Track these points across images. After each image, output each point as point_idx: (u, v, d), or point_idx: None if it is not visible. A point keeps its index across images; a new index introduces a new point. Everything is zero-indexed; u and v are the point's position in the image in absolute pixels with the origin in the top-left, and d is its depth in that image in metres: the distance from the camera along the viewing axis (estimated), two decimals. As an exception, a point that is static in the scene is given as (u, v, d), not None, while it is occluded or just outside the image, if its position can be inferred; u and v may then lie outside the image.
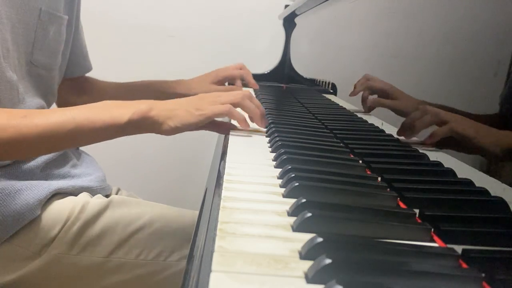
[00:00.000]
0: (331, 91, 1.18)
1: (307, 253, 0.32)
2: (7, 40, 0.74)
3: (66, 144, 0.67)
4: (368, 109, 0.86)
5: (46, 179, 0.80)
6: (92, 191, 0.86)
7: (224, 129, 0.74)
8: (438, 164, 0.56)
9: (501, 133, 0.50)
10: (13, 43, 0.75)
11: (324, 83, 1.30)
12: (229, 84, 1.19)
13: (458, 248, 0.35)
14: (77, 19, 1.00)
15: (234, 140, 0.69)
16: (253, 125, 0.75)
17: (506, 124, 0.45)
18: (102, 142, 0.67)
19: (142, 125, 0.64)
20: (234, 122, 0.75)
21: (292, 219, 0.38)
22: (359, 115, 0.88)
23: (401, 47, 0.76)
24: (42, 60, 0.84)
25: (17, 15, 0.76)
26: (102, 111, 0.64)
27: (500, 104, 0.47)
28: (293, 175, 0.47)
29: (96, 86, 1.11)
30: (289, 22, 1.59)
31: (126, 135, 0.65)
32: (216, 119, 0.71)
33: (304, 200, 0.40)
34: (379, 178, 0.51)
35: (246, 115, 0.74)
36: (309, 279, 0.29)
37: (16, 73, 0.77)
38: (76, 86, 1.07)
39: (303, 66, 1.53)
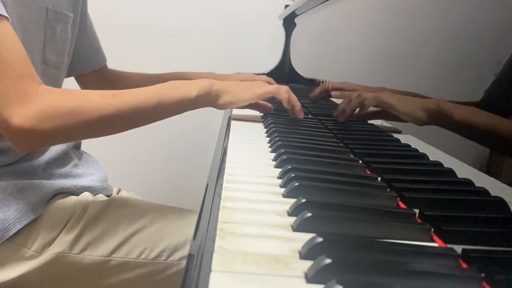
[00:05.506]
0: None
1: (307, 253, 0.32)
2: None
3: (151, 118, 0.71)
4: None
5: (48, 179, 0.80)
6: (94, 191, 0.86)
7: (265, 108, 0.88)
8: (438, 164, 0.56)
9: (425, 100, 0.53)
10: (25, 43, 0.76)
11: (324, 83, 1.30)
12: None
13: (458, 248, 0.35)
14: (85, 16, 1.00)
15: (235, 139, 0.69)
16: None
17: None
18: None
19: (205, 99, 0.73)
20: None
21: (292, 219, 0.38)
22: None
23: (401, 47, 0.76)
24: (53, 59, 0.85)
25: (28, 15, 0.76)
26: (175, 89, 0.71)
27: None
28: (293, 175, 0.47)
29: (125, 78, 1.11)
30: (289, 22, 1.59)
31: (192, 109, 0.73)
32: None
33: (304, 200, 0.40)
34: (379, 178, 0.51)
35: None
36: (309, 279, 0.29)
37: None
38: (100, 79, 1.08)
39: (303, 66, 1.53)
